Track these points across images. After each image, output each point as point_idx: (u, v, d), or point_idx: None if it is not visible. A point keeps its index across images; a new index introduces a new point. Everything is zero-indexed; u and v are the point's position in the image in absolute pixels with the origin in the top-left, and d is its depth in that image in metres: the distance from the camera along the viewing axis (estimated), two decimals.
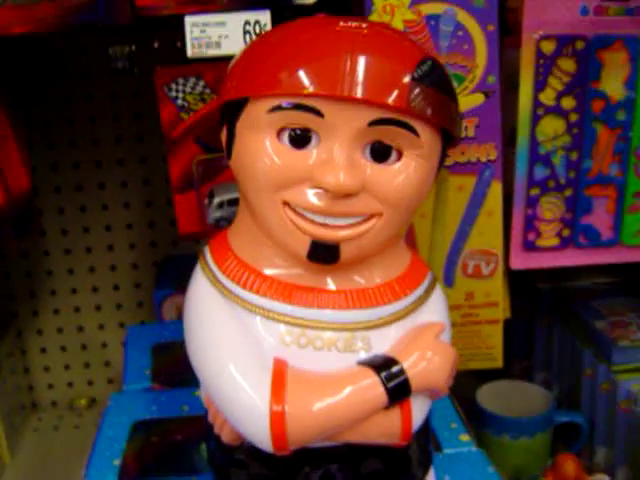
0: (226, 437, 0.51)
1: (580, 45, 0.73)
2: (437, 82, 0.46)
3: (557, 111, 0.74)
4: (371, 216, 0.46)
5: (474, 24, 0.68)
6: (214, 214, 0.82)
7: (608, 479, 0.84)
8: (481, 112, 0.71)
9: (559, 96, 0.74)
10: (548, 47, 0.72)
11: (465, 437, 0.70)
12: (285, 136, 0.45)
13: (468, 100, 0.70)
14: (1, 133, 0.88)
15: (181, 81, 0.81)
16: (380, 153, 0.46)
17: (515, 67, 0.74)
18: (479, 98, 0.70)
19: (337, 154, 0.45)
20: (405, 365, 0.48)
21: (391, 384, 0.47)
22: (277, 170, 0.45)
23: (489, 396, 0.93)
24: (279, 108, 0.45)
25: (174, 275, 1.08)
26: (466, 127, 0.71)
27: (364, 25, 0.46)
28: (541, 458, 0.91)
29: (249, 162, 0.46)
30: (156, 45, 0.97)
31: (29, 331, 1.19)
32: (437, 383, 0.49)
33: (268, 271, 0.49)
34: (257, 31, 0.61)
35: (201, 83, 0.80)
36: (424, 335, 0.50)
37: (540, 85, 0.73)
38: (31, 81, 1.06)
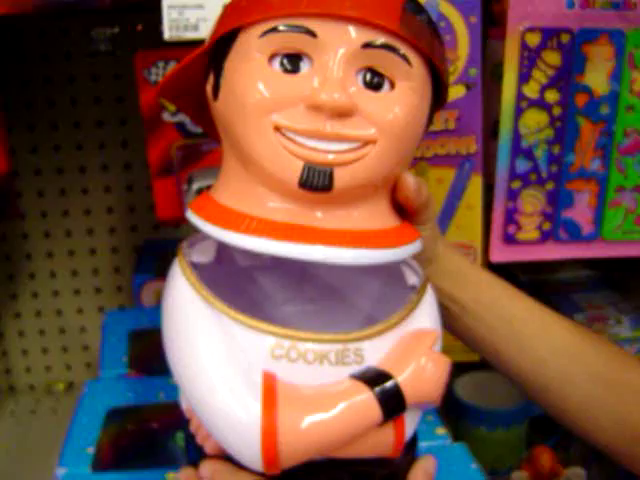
0: (210, 449, 0.49)
1: (565, 38, 0.72)
2: (427, 19, 0.47)
3: (540, 104, 0.74)
4: (365, 143, 0.45)
5: (457, 15, 0.68)
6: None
7: (583, 472, 0.85)
8: (462, 105, 0.71)
9: (543, 89, 0.73)
10: (533, 40, 0.72)
11: (441, 430, 0.70)
12: (277, 62, 0.45)
13: (449, 92, 0.70)
14: None
15: (161, 65, 0.80)
16: (373, 82, 0.45)
17: (500, 58, 0.74)
18: (460, 90, 0.70)
19: (331, 73, 0.44)
20: (400, 379, 0.45)
21: (386, 400, 0.45)
22: (269, 92, 0.44)
23: (467, 387, 0.93)
24: (271, 31, 0.44)
25: (154, 260, 1.07)
26: (446, 120, 0.70)
27: None
28: (517, 450, 0.92)
29: (239, 90, 0.45)
30: (139, 28, 0.96)
31: (7, 314, 1.18)
32: (431, 396, 0.46)
33: (256, 212, 0.46)
34: None
35: None
36: (418, 346, 0.47)
37: (524, 78, 0.73)
38: (12, 62, 1.05)
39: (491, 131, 0.78)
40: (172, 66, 0.80)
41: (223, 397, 0.44)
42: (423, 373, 0.46)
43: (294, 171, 0.44)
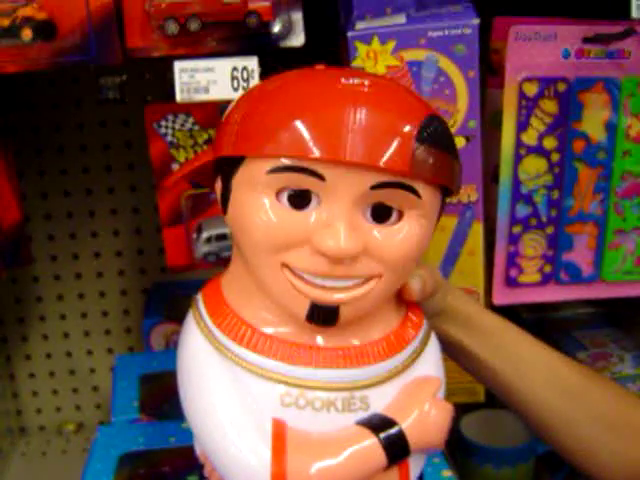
0: None
1: (562, 87, 0.74)
2: (440, 141, 0.46)
3: (539, 151, 0.75)
4: (370, 278, 0.46)
5: (455, 70, 0.70)
6: (202, 249, 0.83)
7: None
8: (462, 155, 0.71)
9: (541, 136, 0.75)
10: (530, 89, 0.74)
11: (447, 473, 0.71)
12: (284, 197, 0.45)
13: None
14: None
15: (170, 118, 0.81)
16: (381, 214, 0.46)
17: (500, 106, 0.75)
18: (460, 142, 0.71)
19: (338, 217, 0.44)
20: (404, 425, 0.47)
21: (390, 445, 0.47)
22: (276, 232, 0.45)
23: (473, 425, 0.94)
24: (279, 169, 0.44)
25: (163, 302, 1.08)
26: None
27: (366, 82, 0.46)
28: None
29: (247, 221, 0.46)
30: (147, 76, 0.98)
31: (18, 356, 1.20)
32: (435, 442, 0.49)
33: (265, 328, 0.48)
34: (245, 77, 0.62)
35: (190, 120, 0.81)
36: (422, 393, 0.49)
37: (522, 126, 0.75)
38: (22, 109, 1.07)
39: (492, 176, 0.79)
40: (181, 119, 0.81)
41: (235, 443, 0.46)
42: (427, 419, 0.48)
43: (301, 307, 0.46)
